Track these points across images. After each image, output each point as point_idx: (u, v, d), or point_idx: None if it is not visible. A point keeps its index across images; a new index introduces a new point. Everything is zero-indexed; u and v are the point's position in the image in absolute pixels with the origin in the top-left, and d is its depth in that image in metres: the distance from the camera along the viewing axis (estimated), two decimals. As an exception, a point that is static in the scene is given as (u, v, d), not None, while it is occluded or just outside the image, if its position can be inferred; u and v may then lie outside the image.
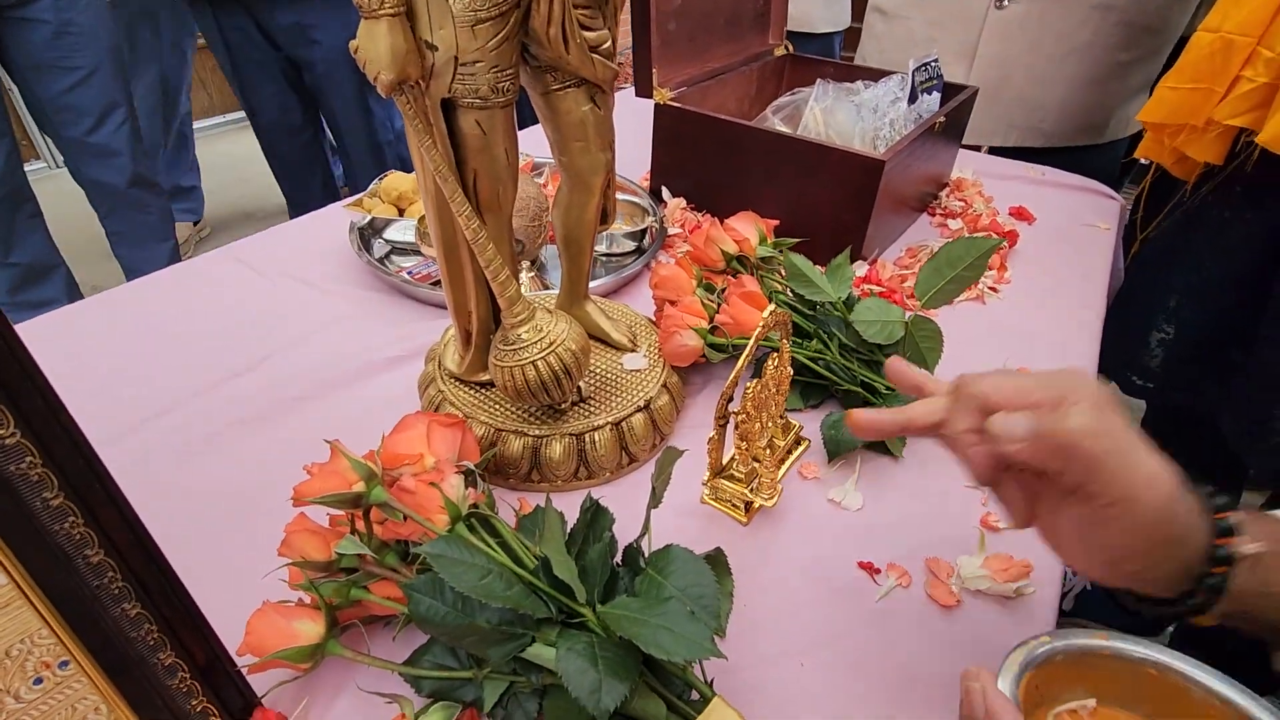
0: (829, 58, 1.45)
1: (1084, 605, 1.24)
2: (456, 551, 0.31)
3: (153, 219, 1.61)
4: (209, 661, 0.31)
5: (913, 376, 0.36)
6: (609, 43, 0.40)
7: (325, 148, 1.73)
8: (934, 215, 0.84)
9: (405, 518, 0.34)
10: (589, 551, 0.34)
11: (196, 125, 2.40)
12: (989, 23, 1.00)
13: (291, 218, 1.72)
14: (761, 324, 0.41)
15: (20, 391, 0.24)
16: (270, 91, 1.52)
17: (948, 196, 0.87)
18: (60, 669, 0.27)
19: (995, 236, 0.77)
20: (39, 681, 0.27)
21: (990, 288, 0.71)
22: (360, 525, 0.35)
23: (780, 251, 0.57)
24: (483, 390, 0.49)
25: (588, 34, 0.38)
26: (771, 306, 0.44)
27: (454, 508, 0.34)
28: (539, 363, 0.41)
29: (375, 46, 0.32)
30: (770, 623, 0.40)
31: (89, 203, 1.54)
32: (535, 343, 0.42)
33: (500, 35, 0.35)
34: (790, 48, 0.96)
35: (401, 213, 0.73)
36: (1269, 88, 0.65)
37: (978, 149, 1.08)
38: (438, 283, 0.65)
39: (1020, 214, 0.84)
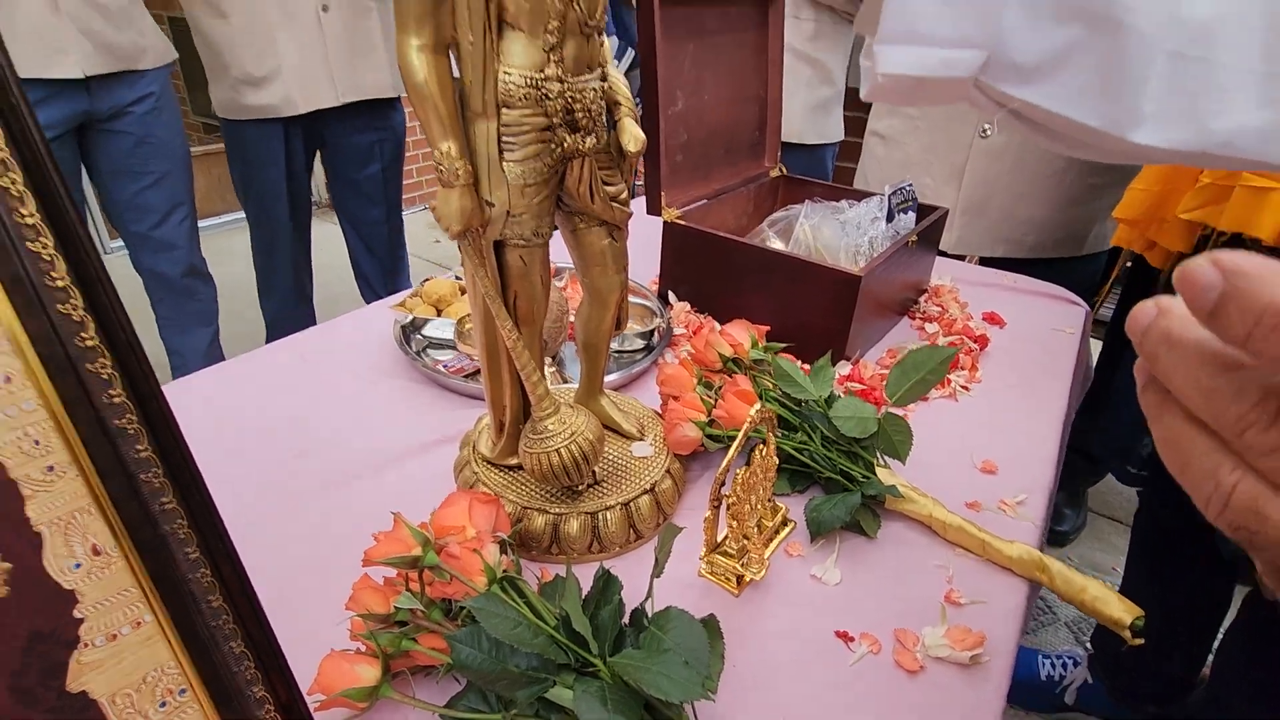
0: (820, 169, 1.61)
1: (1085, 700, 1.25)
2: (494, 606, 0.38)
3: (200, 306, 1.74)
4: (289, 698, 0.37)
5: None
6: (625, 193, 0.50)
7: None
8: (914, 319, 0.94)
9: (451, 578, 0.41)
10: (601, 612, 0.41)
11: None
12: (975, 150, 1.14)
13: (264, 307, 1.92)
14: (749, 419, 0.49)
15: (174, 460, 0.32)
16: (279, 194, 1.74)
17: (926, 301, 0.96)
18: (179, 695, 0.34)
19: (967, 340, 0.85)
20: (163, 705, 0.34)
21: (963, 386, 0.79)
22: (414, 585, 0.42)
23: (770, 355, 0.66)
24: (511, 472, 0.56)
25: (609, 188, 0.49)
26: (759, 404, 0.52)
27: (491, 571, 0.41)
28: (562, 450, 0.49)
29: (449, 207, 0.42)
30: (756, 681, 0.45)
31: (145, 290, 1.68)
32: (559, 433, 0.50)
33: (543, 195, 0.45)
34: (784, 169, 1.09)
35: (439, 312, 0.83)
36: (1221, 187, 0.76)
37: (963, 258, 1.19)
38: (469, 376, 0.74)
39: (992, 318, 0.93)
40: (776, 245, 0.97)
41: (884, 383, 0.77)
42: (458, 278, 0.87)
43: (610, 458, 0.59)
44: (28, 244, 0.29)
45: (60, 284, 0.30)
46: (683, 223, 0.86)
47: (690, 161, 0.92)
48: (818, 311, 0.77)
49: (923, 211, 0.96)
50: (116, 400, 0.32)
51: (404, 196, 2.07)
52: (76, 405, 0.31)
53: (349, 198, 1.97)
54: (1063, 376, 0.83)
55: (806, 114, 1.46)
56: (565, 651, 0.38)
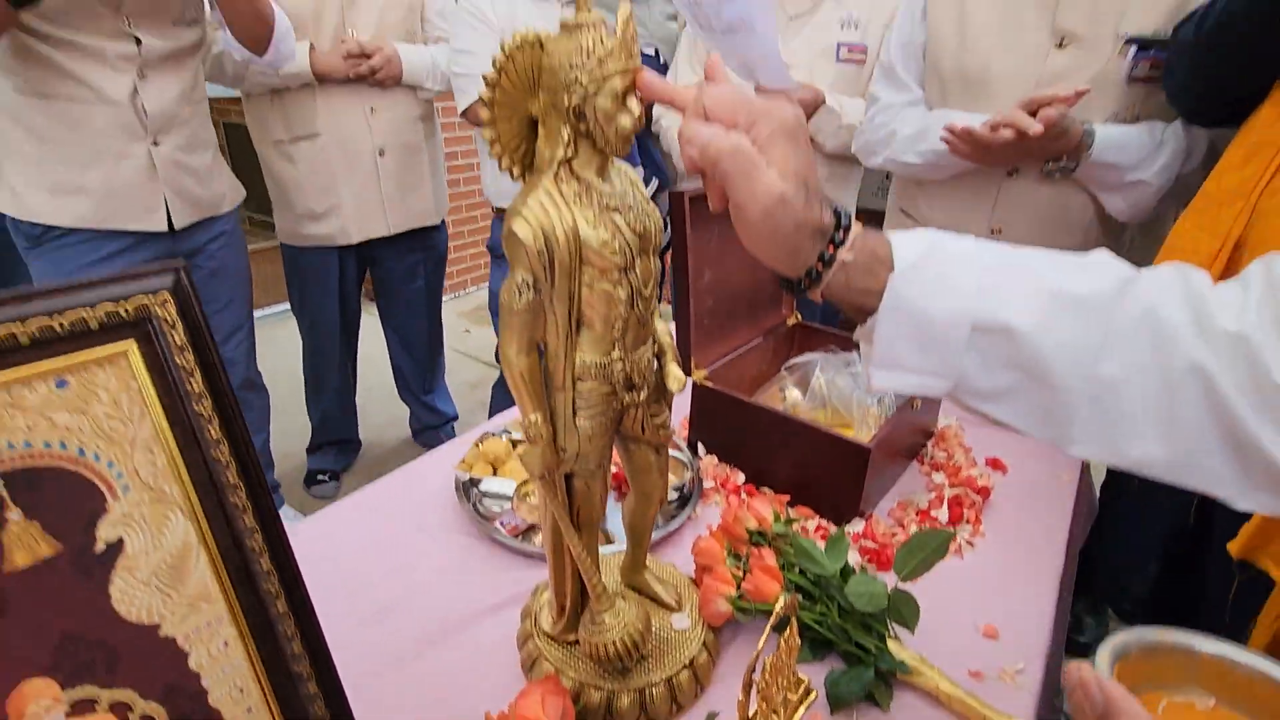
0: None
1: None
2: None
3: (254, 415, 1.87)
4: None
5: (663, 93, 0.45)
6: (668, 420, 0.61)
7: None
8: (922, 464, 1.03)
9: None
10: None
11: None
12: None
13: (311, 410, 2.08)
14: (775, 611, 0.58)
15: (296, 601, 0.42)
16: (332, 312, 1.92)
17: (934, 447, 1.05)
18: None
19: (971, 492, 0.94)
20: None
21: (967, 541, 0.87)
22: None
23: (790, 530, 0.75)
24: (568, 647, 0.65)
25: (655, 420, 0.59)
26: (783, 597, 0.60)
27: (564, 765, 0.50)
28: (616, 641, 0.58)
29: (532, 459, 0.53)
30: None
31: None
32: (615, 626, 0.59)
33: (606, 440, 0.56)
34: (800, 317, 1.20)
35: (495, 470, 0.93)
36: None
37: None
38: (522, 534, 0.84)
39: (995, 464, 1.02)
40: (794, 394, 1.07)
41: (895, 538, 0.85)
42: (512, 440, 0.98)
43: (653, 628, 0.67)
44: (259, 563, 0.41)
45: (265, 568, 0.41)
46: (710, 384, 0.97)
47: (716, 323, 1.03)
48: (832, 473, 0.87)
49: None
50: (297, 653, 0.42)
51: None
52: (272, 664, 0.41)
53: (394, 310, 2.13)
54: (1060, 528, 0.91)
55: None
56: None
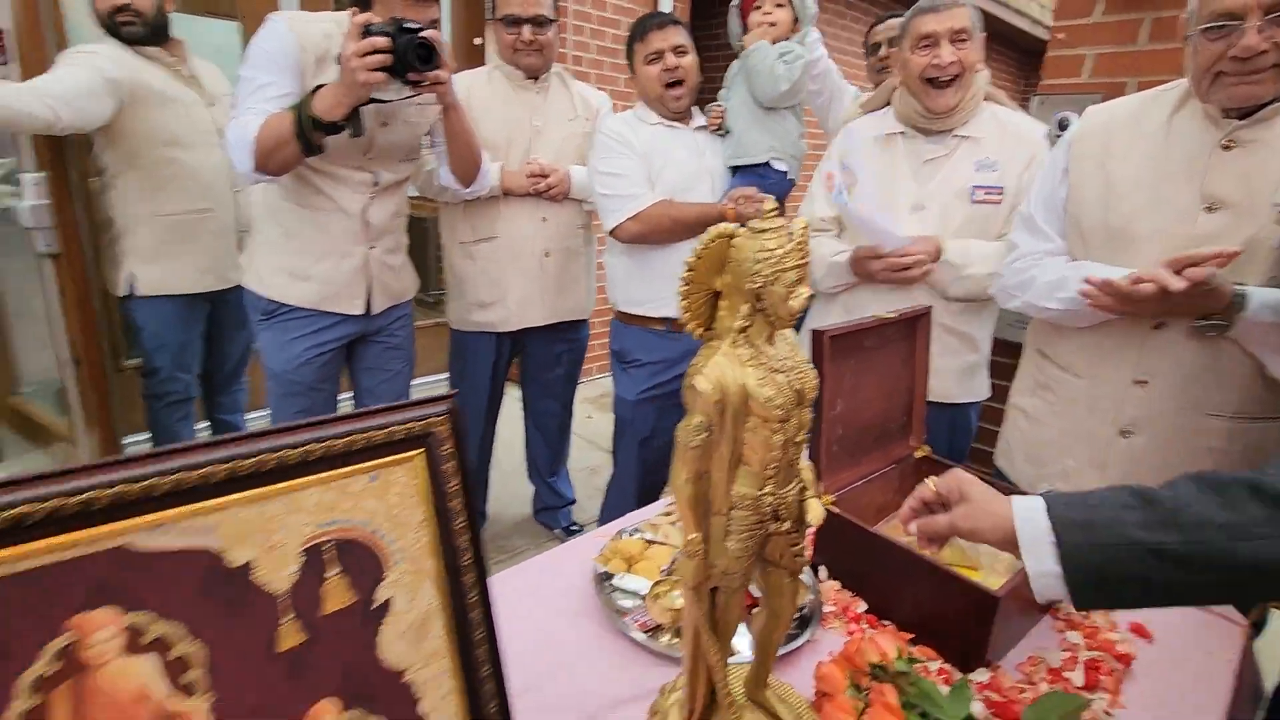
0: (966, 423, 1.71)
1: None
2: None
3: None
4: None
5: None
6: (804, 549, 0.67)
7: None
8: (1056, 618, 1.00)
9: None
10: None
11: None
12: (1115, 449, 1.21)
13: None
14: (896, 753, 0.61)
15: (497, 668, 0.51)
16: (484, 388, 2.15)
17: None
18: None
19: (1110, 657, 0.90)
20: None
21: (1105, 711, 0.83)
22: None
23: (912, 670, 0.77)
24: (693, 750, 0.70)
25: (793, 549, 0.66)
26: (904, 737, 0.63)
27: None
28: (742, 752, 0.64)
29: (687, 570, 0.61)
30: None
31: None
32: (742, 737, 0.64)
33: (750, 562, 0.63)
34: (929, 450, 1.22)
35: (629, 567, 1.02)
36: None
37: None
38: (651, 631, 0.91)
39: (1139, 630, 0.97)
40: (920, 528, 1.09)
41: (1022, 695, 0.84)
42: (646, 540, 1.07)
43: (772, 746, 0.71)
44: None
45: (479, 636, 0.51)
46: (836, 510, 1.02)
47: (845, 451, 1.09)
48: (958, 617, 0.87)
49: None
50: (493, 715, 0.51)
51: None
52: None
53: (534, 393, 2.33)
54: (1214, 710, 0.85)
55: (954, 377, 1.60)
56: None
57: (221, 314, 2.39)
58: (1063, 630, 0.97)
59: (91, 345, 1.95)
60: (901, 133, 1.56)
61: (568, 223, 2.09)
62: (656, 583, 0.94)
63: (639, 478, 1.97)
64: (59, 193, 1.83)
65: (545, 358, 2.24)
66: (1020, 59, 8.00)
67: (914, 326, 1.17)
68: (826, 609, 0.97)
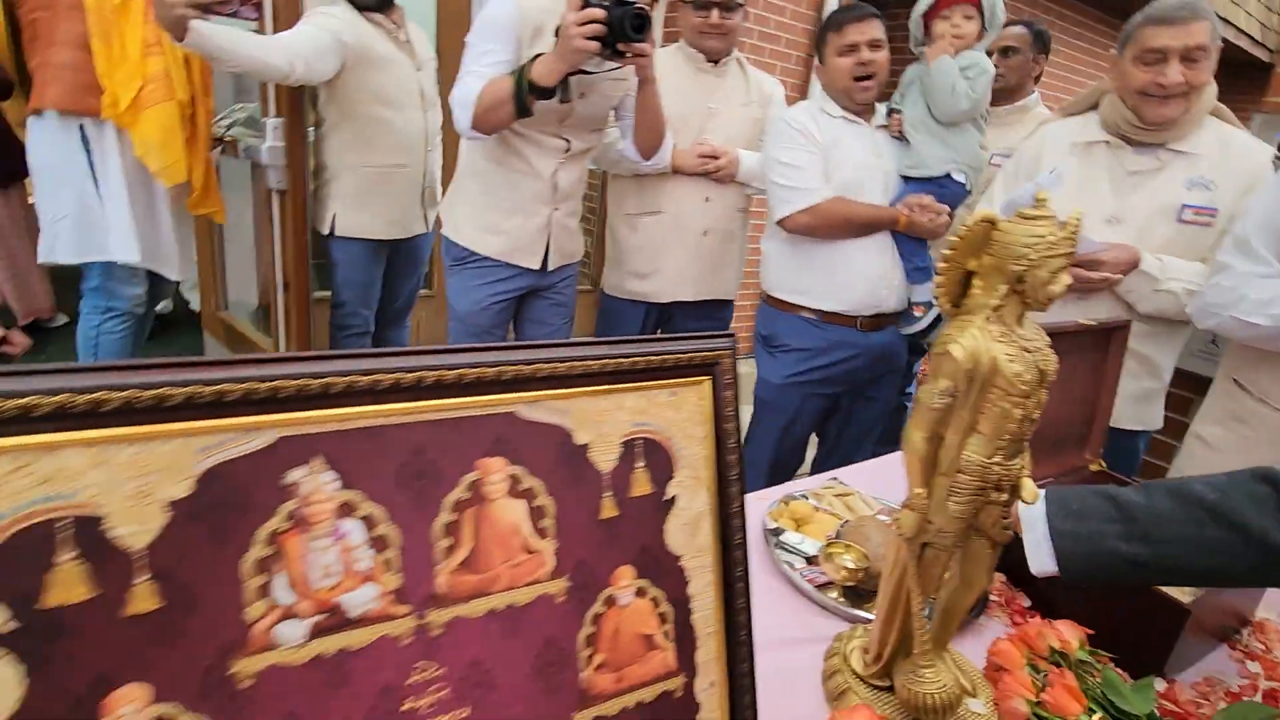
0: (1132, 453, 1.64)
1: None
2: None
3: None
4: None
5: None
6: (1011, 525, 0.71)
7: None
8: (1234, 649, 0.97)
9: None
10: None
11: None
12: None
13: None
14: (1088, 724, 0.65)
15: (745, 571, 0.59)
16: None
17: (1250, 636, 0.99)
18: None
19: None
20: None
21: (1289, 742, 0.82)
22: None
23: (1096, 661, 0.79)
24: (875, 690, 0.77)
25: (1003, 520, 0.70)
26: (1099, 715, 0.66)
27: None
28: (935, 694, 0.69)
29: (907, 523, 0.67)
30: None
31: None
32: (934, 681, 0.70)
33: (963, 526, 0.68)
34: (1104, 464, 1.20)
35: (798, 526, 1.08)
36: None
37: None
38: (820, 587, 0.97)
39: (1328, 674, 0.93)
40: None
41: (1199, 709, 0.84)
42: (814, 506, 1.13)
43: (947, 703, 0.76)
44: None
45: (737, 540, 0.59)
46: (1010, 505, 1.03)
47: (1021, 450, 1.09)
48: (1139, 627, 0.88)
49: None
50: (740, 606, 0.59)
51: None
52: (729, 608, 0.59)
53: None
54: None
55: (1128, 401, 1.54)
56: None
57: (397, 260, 2.64)
58: (1241, 660, 0.95)
59: (301, 274, 2.22)
60: (1105, 141, 1.51)
61: (729, 205, 2.15)
62: (829, 544, 1.00)
63: (774, 458, 2.02)
64: (293, 137, 2.09)
65: (689, 332, 2.32)
66: (1220, 71, 7.21)
67: (1110, 337, 1.15)
68: (993, 599, 1.00)
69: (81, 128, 1.82)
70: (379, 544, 0.45)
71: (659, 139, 1.85)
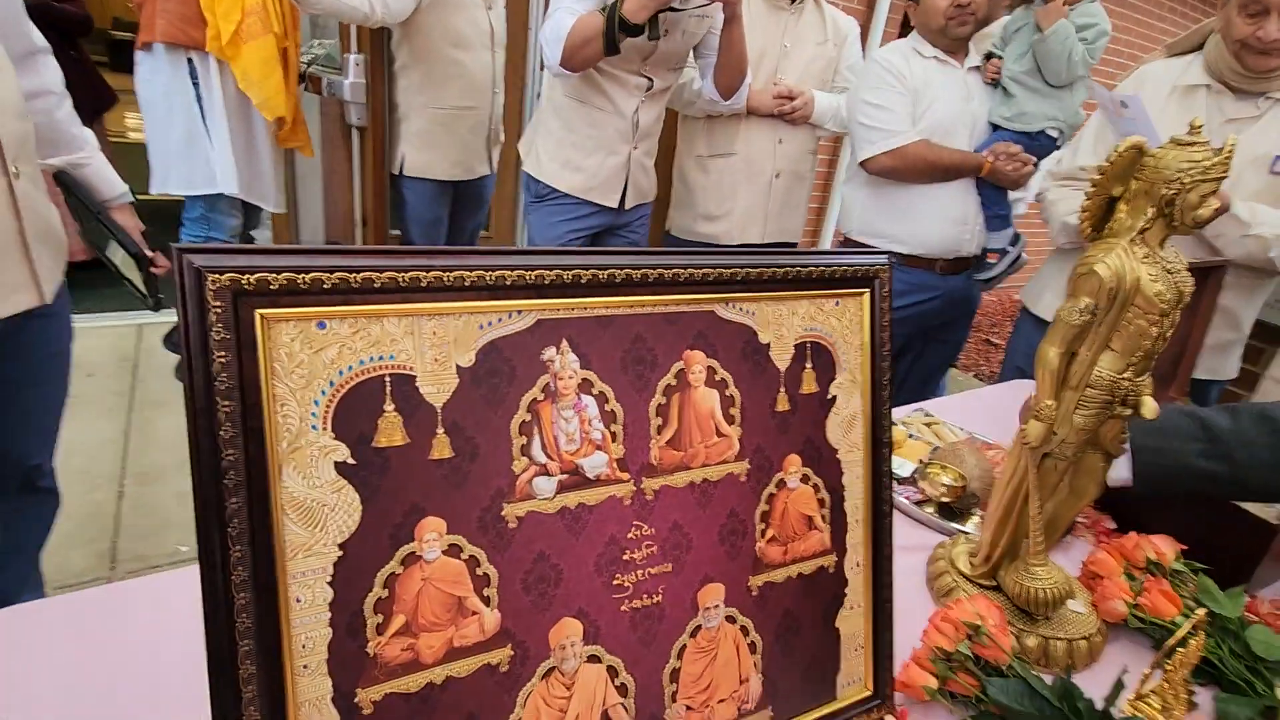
0: (1204, 404, 1.66)
1: None
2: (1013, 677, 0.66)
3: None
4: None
5: None
6: (1127, 440, 0.76)
7: None
8: (1312, 574, 1.02)
9: (990, 644, 0.69)
10: (1078, 703, 0.66)
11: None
12: None
13: None
14: (1193, 622, 0.71)
15: (890, 470, 0.66)
16: None
17: (1329, 563, 1.04)
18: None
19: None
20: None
21: (1366, 653, 0.88)
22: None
23: (1192, 571, 0.85)
24: (981, 590, 0.84)
25: (1121, 435, 0.75)
26: (1192, 615, 0.73)
27: (1012, 651, 0.68)
28: (1046, 589, 0.76)
29: (1034, 432, 0.72)
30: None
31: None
32: (1046, 578, 0.76)
33: (1086, 438, 0.73)
34: (1190, 403, 1.24)
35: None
36: None
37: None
38: (917, 503, 1.04)
39: (1407, 601, 0.98)
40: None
41: (1277, 619, 0.90)
42: (907, 434, 1.19)
43: (1048, 603, 0.83)
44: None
45: (887, 438, 0.65)
46: (1101, 435, 1.08)
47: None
48: (1224, 542, 0.93)
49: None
50: (888, 500, 0.66)
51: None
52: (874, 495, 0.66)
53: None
54: None
55: (1206, 352, 1.54)
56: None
57: (462, 200, 2.69)
58: (1320, 585, 1.00)
59: (380, 210, 2.29)
60: (1207, 85, 1.48)
61: (801, 147, 2.15)
62: (926, 465, 1.06)
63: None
64: (374, 74, 2.13)
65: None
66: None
67: (1207, 278, 1.17)
68: (1078, 520, 1.05)
69: (190, 61, 1.89)
70: (608, 418, 0.53)
71: (741, 78, 1.85)
